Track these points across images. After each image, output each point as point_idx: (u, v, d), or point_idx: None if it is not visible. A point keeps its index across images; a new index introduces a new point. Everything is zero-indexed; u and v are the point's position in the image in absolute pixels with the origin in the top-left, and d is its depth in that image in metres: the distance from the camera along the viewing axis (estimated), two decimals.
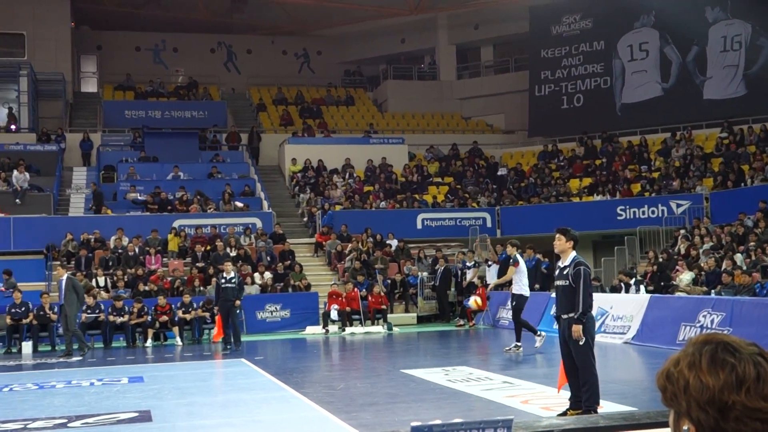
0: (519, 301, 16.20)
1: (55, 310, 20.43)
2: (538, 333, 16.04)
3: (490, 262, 24.09)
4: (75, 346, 18.78)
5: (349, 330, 22.29)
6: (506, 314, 22.15)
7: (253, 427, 9.52)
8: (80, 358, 18.23)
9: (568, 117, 35.51)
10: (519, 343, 15.96)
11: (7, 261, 24.21)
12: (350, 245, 26.57)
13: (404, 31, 40.48)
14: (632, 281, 20.82)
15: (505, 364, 14.44)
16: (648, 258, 22.36)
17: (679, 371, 1.91)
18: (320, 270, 26.82)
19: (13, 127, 33.84)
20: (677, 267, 21.25)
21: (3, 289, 22.13)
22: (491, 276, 24.10)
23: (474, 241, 27.25)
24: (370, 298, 23.29)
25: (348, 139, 34.81)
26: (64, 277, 19.42)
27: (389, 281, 25.24)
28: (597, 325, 13.71)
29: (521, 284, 16.13)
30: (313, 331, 22.49)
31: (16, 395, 12.50)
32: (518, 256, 16.46)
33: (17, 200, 27.18)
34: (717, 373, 1.86)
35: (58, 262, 22.97)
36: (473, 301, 21.49)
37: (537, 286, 21.23)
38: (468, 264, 24.97)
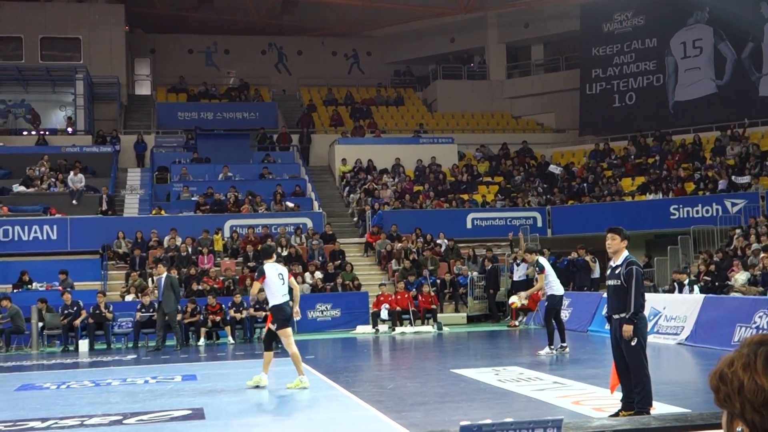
0: (551, 301, 16.13)
1: (156, 306, 20.91)
2: (552, 346, 15.72)
3: (518, 260, 23.98)
4: (170, 342, 19.87)
5: (399, 329, 22.32)
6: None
7: (303, 426, 9.58)
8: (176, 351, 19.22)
9: (619, 115, 35.11)
10: (564, 344, 15.84)
11: (63, 261, 24.72)
12: (399, 245, 26.59)
13: (454, 31, 40.39)
14: (686, 281, 20.51)
15: (556, 365, 14.33)
16: (703, 258, 21.99)
17: (734, 372, 1.90)
18: (370, 270, 26.89)
19: (69, 129, 34.52)
20: (732, 267, 20.88)
21: (60, 288, 22.60)
22: (518, 275, 24.09)
23: (524, 240, 27.08)
24: (420, 297, 23.30)
25: (398, 139, 34.85)
26: (163, 276, 19.98)
27: (437, 280, 25.17)
28: (650, 325, 13.54)
29: (551, 286, 16.11)
30: (363, 331, 22.57)
31: (73, 392, 12.75)
32: (541, 261, 16.48)
33: (73, 201, 27.71)
34: None
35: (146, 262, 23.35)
36: (514, 298, 20.69)
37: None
38: (518, 261, 24.88)
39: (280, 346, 18.65)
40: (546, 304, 16.51)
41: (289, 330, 12.25)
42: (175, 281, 20.46)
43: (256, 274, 12.51)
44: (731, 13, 32.21)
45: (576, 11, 36.73)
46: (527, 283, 23.00)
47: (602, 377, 11.21)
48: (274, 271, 12.30)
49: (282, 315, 12.18)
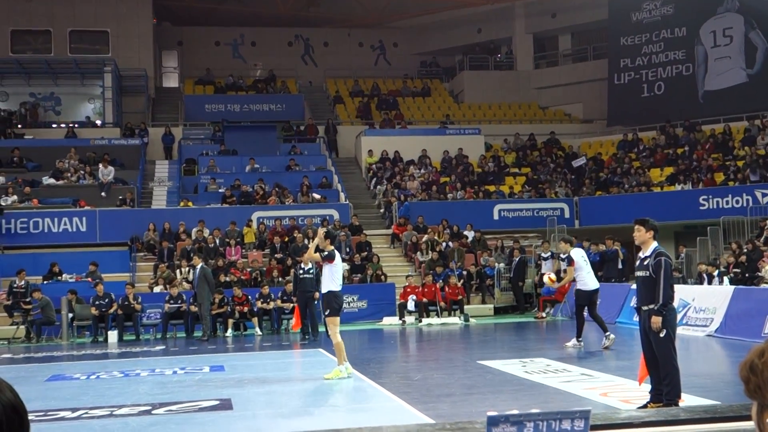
0: (578, 296, 15.72)
1: (184, 298, 21.32)
2: (579, 339, 15.32)
3: (562, 255, 23.80)
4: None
5: (425, 321, 22.32)
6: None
7: (330, 417, 9.60)
8: (206, 341, 19.41)
9: (648, 105, 34.81)
10: (608, 332, 15.28)
11: (92, 252, 24.95)
12: (426, 236, 26.57)
13: (481, 21, 40.21)
14: (716, 272, 20.33)
15: (584, 356, 14.25)
16: (732, 250, 21.77)
17: (764, 363, 1.87)
18: (396, 261, 26.89)
19: (98, 122, 34.82)
20: (763, 258, 20.66)
21: (90, 280, 22.82)
22: (546, 269, 23.85)
23: (551, 232, 27.01)
24: (446, 289, 23.28)
25: (424, 131, 34.79)
26: (198, 267, 20.15)
27: (464, 272, 25.10)
28: (679, 317, 13.42)
29: (580, 279, 15.59)
30: (389, 322, 22.59)
31: (102, 383, 12.88)
32: (572, 253, 15.89)
33: (102, 193, 27.95)
34: None
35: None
36: (547, 278, 19.98)
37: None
38: (544, 255, 24.74)
39: (308, 337, 18.81)
40: (575, 299, 15.98)
41: (338, 319, 12.23)
42: (209, 272, 20.63)
43: (327, 254, 12.18)
44: (762, 2, 31.83)
45: (604, 0, 36.43)
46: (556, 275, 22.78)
47: (631, 369, 11.14)
48: (339, 257, 12.36)
49: (337, 302, 12.16)
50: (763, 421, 1.85)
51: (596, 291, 15.76)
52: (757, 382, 1.87)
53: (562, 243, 16.72)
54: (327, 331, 12.77)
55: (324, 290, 12.27)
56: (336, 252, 12.34)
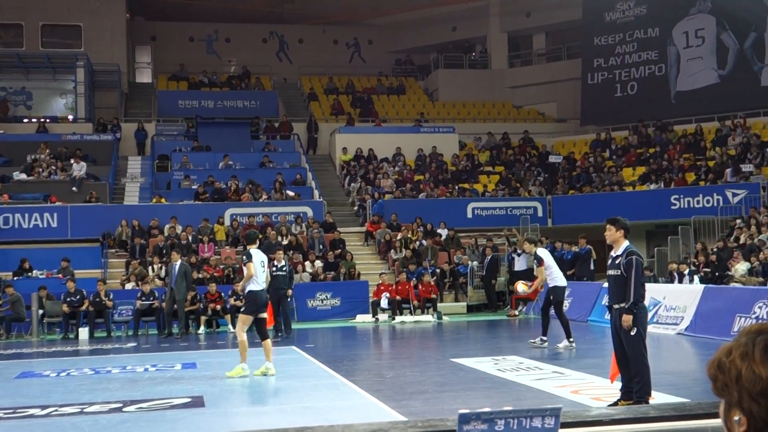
0: (554, 292, 15.23)
1: (156, 294, 21.21)
2: (570, 339, 14.86)
3: (519, 251, 23.86)
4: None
5: (398, 319, 22.33)
6: None
7: (303, 414, 9.59)
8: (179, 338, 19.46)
9: (621, 105, 35.03)
10: (545, 338, 15.08)
11: (64, 249, 24.73)
12: (399, 234, 26.59)
13: (455, 20, 40.28)
14: (686, 271, 20.52)
15: (556, 354, 14.33)
16: (696, 250, 22.01)
17: (731, 361, 1.89)
18: (370, 259, 26.90)
19: (70, 117, 34.50)
20: (734, 257, 20.87)
21: (60, 276, 22.62)
22: (519, 265, 23.91)
23: (524, 231, 27.12)
24: (420, 286, 23.31)
25: (398, 128, 34.79)
26: (177, 263, 20.10)
27: (438, 270, 25.14)
28: (649, 315, 13.52)
29: (552, 277, 15.26)
30: (363, 320, 22.59)
31: (73, 380, 12.78)
32: (540, 252, 15.57)
33: (74, 189, 27.70)
34: None
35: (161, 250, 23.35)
36: (521, 285, 19.94)
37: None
38: (519, 251, 24.83)
39: (281, 334, 18.75)
40: (549, 295, 15.47)
41: (250, 318, 12.42)
42: (189, 269, 20.57)
43: (245, 258, 12.60)
44: (734, 3, 32.10)
45: (578, 0, 36.62)
46: (528, 274, 22.88)
47: (602, 367, 11.22)
48: (257, 257, 12.39)
49: (254, 302, 12.36)
50: (730, 419, 1.87)
51: (565, 288, 15.65)
52: (724, 381, 1.89)
53: (526, 243, 16.32)
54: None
55: (246, 290, 12.47)
56: (253, 252, 12.45)
